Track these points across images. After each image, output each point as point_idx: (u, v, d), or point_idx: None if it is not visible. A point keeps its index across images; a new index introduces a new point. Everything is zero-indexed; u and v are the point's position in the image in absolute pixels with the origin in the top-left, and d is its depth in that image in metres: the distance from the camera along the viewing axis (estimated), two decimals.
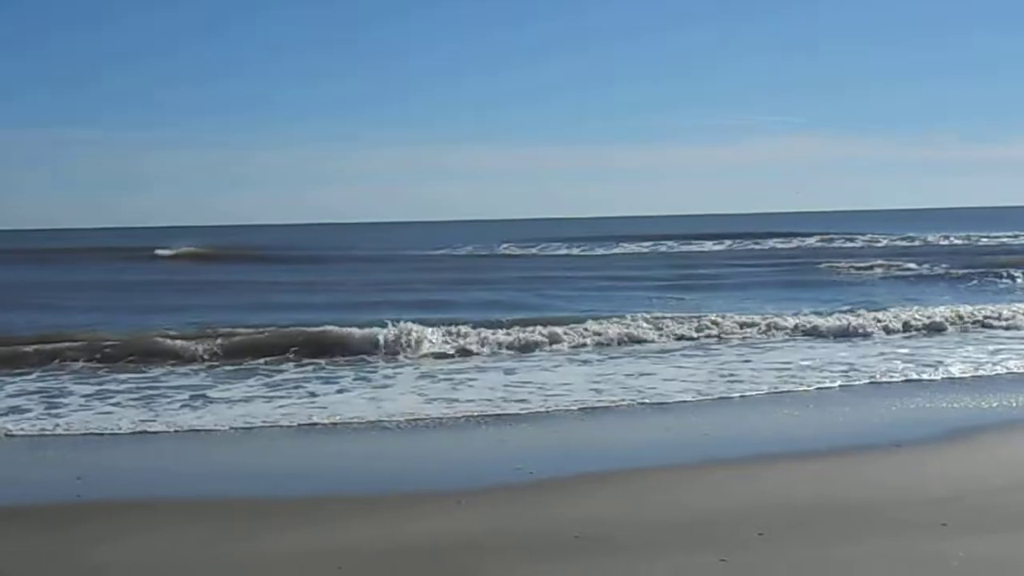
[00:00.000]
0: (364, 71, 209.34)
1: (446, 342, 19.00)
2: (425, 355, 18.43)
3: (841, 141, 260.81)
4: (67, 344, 18.73)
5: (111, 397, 14.59)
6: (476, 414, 12.98)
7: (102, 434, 12.15)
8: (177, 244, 59.81)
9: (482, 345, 18.93)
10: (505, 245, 66.62)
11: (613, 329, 20.19)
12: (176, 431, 12.27)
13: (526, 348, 19.01)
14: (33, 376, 16.54)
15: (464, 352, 18.67)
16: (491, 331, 19.66)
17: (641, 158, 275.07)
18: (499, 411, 13.16)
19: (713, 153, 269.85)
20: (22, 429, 12.39)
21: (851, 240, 63.21)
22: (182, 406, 13.89)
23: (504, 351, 18.85)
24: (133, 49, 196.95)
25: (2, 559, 7.41)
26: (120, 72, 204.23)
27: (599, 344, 19.52)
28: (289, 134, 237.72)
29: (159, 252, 56.92)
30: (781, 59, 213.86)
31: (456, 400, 13.94)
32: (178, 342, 18.75)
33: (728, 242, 64.02)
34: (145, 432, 12.21)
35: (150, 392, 14.99)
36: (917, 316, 21.55)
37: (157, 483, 9.93)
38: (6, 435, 12.07)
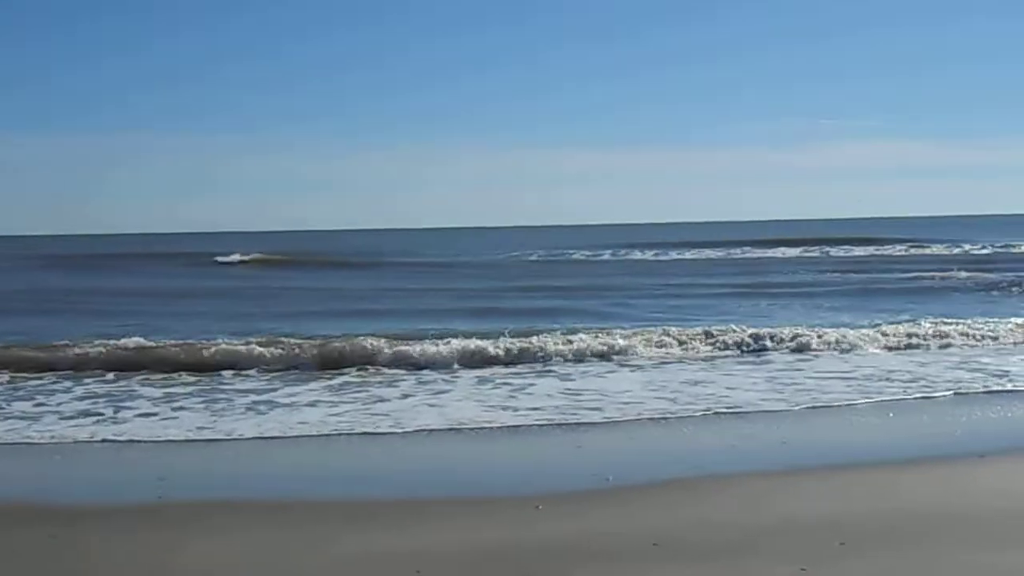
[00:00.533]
0: (440, 82, 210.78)
1: (502, 349, 18.73)
2: (479, 363, 18.15)
3: (925, 145, 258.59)
4: (132, 348, 18.88)
5: (176, 401, 14.70)
6: (552, 421, 12.92)
7: (174, 440, 12.17)
8: (242, 250, 60.17)
9: (544, 356, 18.61)
10: (574, 252, 66.48)
11: (663, 337, 19.84)
12: (246, 437, 12.30)
13: (582, 358, 18.65)
14: (99, 380, 16.64)
15: (520, 360, 18.37)
16: (546, 337, 19.44)
17: (715, 161, 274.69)
18: (573, 419, 13.05)
19: (790, 157, 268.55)
20: (91, 435, 12.42)
21: (924, 247, 62.37)
22: (247, 409, 13.98)
23: (559, 357, 18.57)
24: (214, 53, 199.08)
25: (87, 559, 7.44)
26: (187, 76, 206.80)
27: (650, 351, 19.18)
28: (359, 140, 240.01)
29: (222, 259, 57.33)
30: (860, 61, 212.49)
31: (516, 408, 13.86)
32: (241, 348, 18.75)
33: (801, 248, 63.20)
34: (217, 438, 12.26)
35: (217, 396, 15.09)
36: (984, 327, 20.97)
37: (236, 485, 10.01)
38: (75, 442, 12.07)
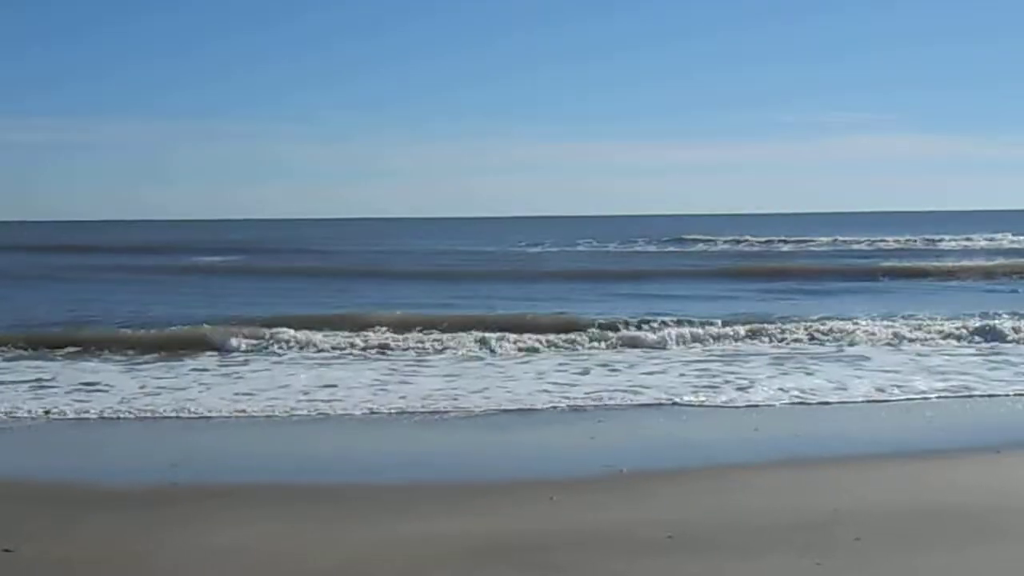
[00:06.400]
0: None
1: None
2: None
3: (944, 140, 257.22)
4: None
5: None
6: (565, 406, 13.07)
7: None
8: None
9: None
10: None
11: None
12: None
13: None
14: None
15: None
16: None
17: (740, 153, 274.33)
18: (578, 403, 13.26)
19: (813, 149, 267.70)
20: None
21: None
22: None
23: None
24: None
25: (97, 542, 7.48)
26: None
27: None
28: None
29: None
30: (884, 56, 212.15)
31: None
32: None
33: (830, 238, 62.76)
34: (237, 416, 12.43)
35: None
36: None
37: (248, 470, 10.03)
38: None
